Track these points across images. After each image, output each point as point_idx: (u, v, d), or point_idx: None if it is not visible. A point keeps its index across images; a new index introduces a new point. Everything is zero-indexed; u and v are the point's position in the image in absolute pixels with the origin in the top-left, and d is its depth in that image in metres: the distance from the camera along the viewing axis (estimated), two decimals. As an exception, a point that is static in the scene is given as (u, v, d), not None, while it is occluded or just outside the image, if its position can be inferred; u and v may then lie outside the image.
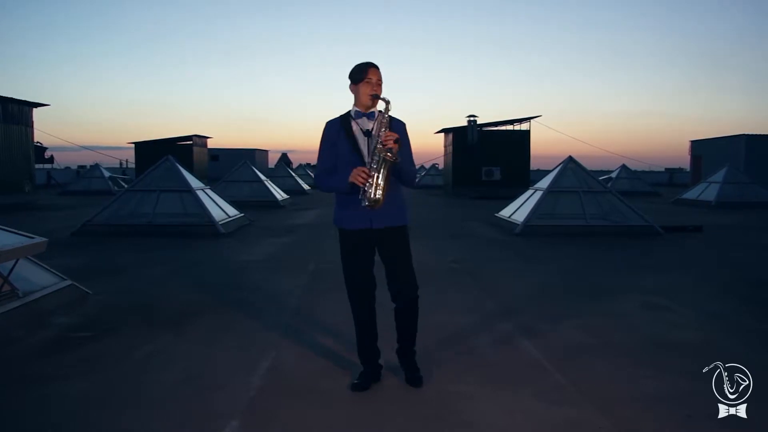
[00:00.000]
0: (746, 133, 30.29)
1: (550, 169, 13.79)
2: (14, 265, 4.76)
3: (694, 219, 13.85)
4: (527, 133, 27.85)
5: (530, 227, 10.98)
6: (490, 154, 26.61)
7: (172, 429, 2.89)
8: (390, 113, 3.19)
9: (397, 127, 3.24)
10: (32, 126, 22.52)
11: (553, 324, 4.71)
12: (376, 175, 3.06)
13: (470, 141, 26.63)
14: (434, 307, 4.86)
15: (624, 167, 30.15)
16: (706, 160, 31.91)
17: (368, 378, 3.38)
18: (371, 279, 3.34)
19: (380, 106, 3.23)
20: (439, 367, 3.65)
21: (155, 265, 7.54)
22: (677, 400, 3.19)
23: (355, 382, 3.37)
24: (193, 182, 12.32)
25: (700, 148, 34.33)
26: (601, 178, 17.36)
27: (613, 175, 29.62)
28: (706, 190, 20.64)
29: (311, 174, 39.06)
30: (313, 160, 59.53)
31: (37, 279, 5.23)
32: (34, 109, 22.47)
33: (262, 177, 20.61)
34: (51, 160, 37.76)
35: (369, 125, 3.24)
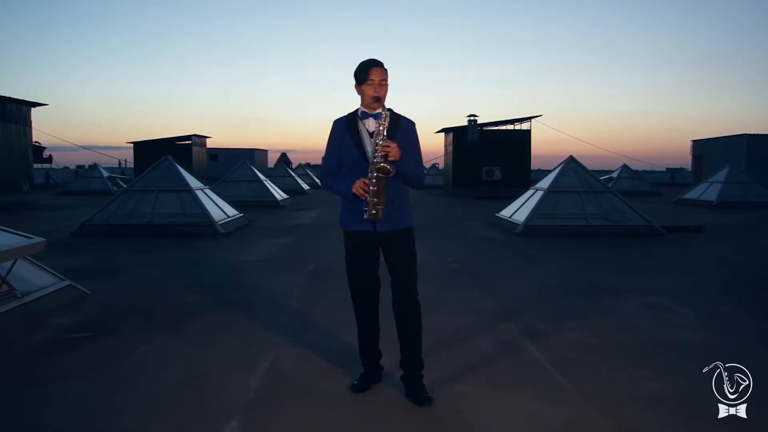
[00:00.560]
0: (748, 132, 30.32)
1: (551, 168, 13.79)
2: (12, 266, 4.74)
3: (695, 219, 13.85)
4: (528, 132, 27.87)
5: (531, 227, 10.97)
6: (490, 153, 26.61)
7: (171, 429, 2.88)
8: (397, 114, 3.15)
9: (406, 126, 3.21)
10: (31, 126, 22.55)
11: (553, 324, 4.70)
12: (372, 189, 3.02)
13: (471, 141, 26.64)
14: (435, 307, 4.85)
15: (625, 167, 30.17)
16: (707, 159, 31.93)
17: (368, 379, 3.37)
18: (374, 280, 3.31)
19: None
20: (439, 367, 3.64)
21: (154, 266, 7.53)
22: (677, 401, 3.19)
23: (355, 383, 3.35)
24: (192, 182, 12.30)
25: (701, 147, 34.35)
26: (602, 178, 17.39)
27: (614, 174, 29.65)
28: (708, 190, 20.61)
29: (311, 174, 39.07)
30: (313, 159, 59.54)
31: (35, 279, 5.22)
32: (33, 109, 22.49)
33: (262, 177, 20.60)
34: (49, 159, 37.84)
35: (375, 126, 3.21)
